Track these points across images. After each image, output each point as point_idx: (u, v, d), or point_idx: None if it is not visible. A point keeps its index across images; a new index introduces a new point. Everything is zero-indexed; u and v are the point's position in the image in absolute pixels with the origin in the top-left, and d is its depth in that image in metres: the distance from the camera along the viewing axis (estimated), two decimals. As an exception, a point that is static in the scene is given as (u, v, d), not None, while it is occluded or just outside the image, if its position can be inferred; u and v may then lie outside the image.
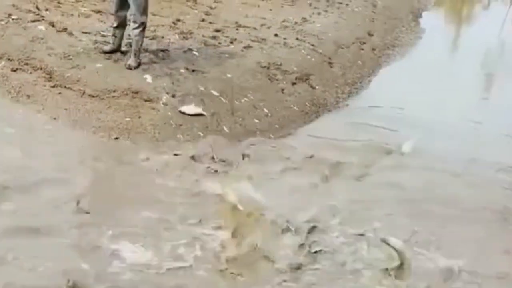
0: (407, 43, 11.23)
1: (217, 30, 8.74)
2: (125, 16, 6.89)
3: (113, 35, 7.10)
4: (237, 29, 9.05)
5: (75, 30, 7.56)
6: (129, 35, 7.01)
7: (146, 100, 6.44)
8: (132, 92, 6.48)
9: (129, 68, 6.83)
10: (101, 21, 8.10)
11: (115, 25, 7.02)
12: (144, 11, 6.80)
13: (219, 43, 8.24)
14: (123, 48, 7.17)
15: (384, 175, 6.05)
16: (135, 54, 6.88)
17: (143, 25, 6.84)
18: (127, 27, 6.97)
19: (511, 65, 11.09)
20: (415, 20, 13.00)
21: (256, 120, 6.84)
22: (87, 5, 8.74)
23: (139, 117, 6.21)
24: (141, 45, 6.95)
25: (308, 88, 7.92)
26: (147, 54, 7.23)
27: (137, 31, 6.80)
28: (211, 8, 10.03)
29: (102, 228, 4.51)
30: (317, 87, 8.05)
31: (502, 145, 7.26)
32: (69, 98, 6.30)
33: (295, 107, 7.41)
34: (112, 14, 7.23)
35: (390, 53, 10.45)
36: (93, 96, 6.34)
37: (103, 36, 7.50)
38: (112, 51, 7.11)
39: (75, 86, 6.45)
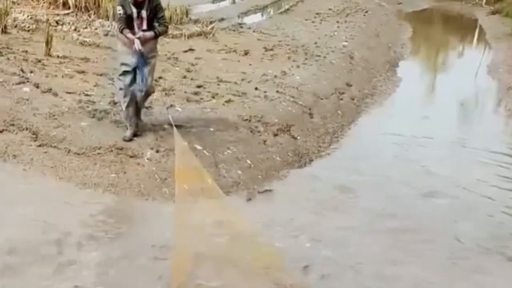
0: (385, 91, 11.50)
1: (199, 86, 8.97)
2: (133, 91, 6.76)
3: (128, 117, 6.83)
4: (218, 84, 9.28)
5: (59, 91, 7.74)
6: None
7: (131, 156, 6.56)
8: (117, 148, 6.61)
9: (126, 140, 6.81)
10: (85, 81, 8.32)
11: (125, 104, 6.76)
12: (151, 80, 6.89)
13: (201, 99, 8.44)
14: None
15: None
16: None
17: (148, 92, 6.94)
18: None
19: (486, 112, 11.42)
20: (391, 69, 13.33)
21: (240, 172, 6.96)
22: (71, 66, 8.97)
23: (125, 173, 6.31)
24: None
25: (289, 139, 8.08)
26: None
27: (141, 97, 6.86)
28: (192, 64, 10.29)
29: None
30: (298, 138, 8.22)
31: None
32: (55, 156, 6.39)
33: (277, 158, 7.55)
34: (122, 88, 6.78)
35: (368, 102, 10.70)
36: (79, 154, 6.45)
37: (86, 95, 7.66)
38: (134, 134, 6.86)
39: (60, 145, 6.55)
